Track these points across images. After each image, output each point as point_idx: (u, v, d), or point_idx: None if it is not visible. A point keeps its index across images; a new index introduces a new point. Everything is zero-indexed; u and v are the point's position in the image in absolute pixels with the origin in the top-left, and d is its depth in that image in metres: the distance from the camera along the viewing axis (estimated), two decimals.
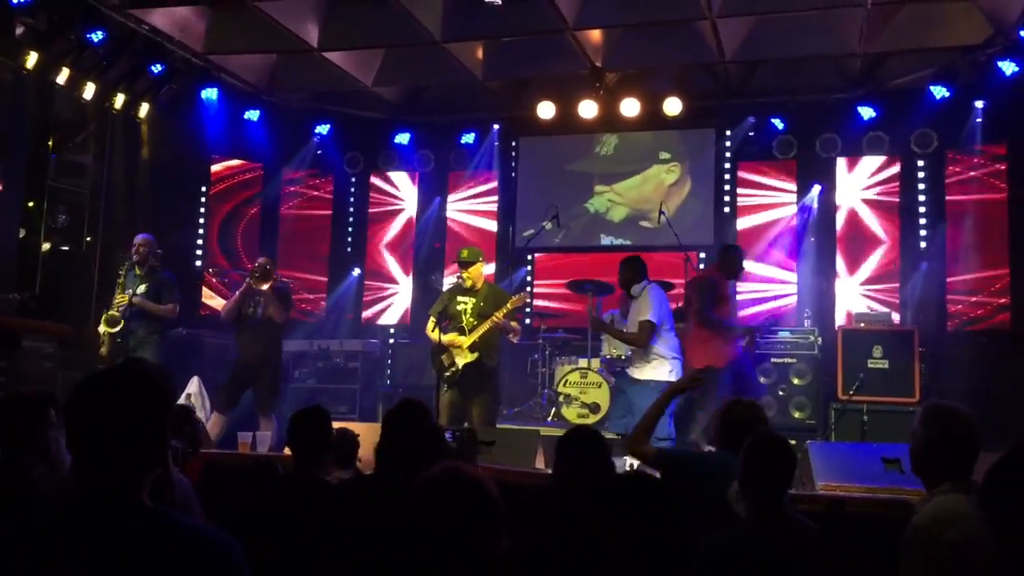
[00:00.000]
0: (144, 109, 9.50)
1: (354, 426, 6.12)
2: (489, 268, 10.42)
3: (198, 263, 10.55)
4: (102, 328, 7.56)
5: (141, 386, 1.77)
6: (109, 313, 7.59)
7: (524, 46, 9.49)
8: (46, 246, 9.13)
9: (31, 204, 9.00)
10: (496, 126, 11.03)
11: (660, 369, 6.74)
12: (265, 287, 7.69)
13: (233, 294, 7.96)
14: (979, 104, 9.15)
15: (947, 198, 9.59)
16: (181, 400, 7.78)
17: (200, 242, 10.66)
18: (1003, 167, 9.25)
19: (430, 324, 7.12)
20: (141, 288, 7.57)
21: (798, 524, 3.11)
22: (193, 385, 8.02)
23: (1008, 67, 8.34)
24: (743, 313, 10.01)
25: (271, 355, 7.90)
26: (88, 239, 9.47)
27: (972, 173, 9.43)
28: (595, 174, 10.93)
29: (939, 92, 9.01)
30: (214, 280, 10.30)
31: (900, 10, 8.44)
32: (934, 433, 2.94)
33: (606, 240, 10.85)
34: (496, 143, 11.12)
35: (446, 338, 6.86)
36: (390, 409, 3.64)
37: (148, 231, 8.11)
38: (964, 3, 8.32)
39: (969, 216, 9.42)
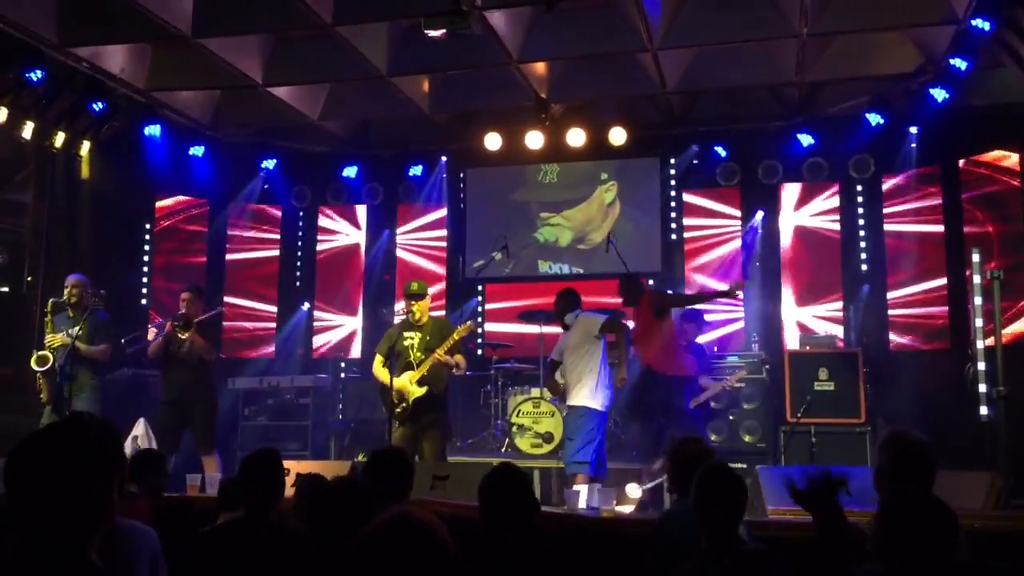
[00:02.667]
0: (85, 147, 9.36)
1: (307, 464, 6.08)
2: (439, 299, 10.43)
3: (143, 301, 10.39)
4: (33, 365, 7.32)
5: (86, 443, 1.73)
6: (40, 353, 7.35)
7: (469, 79, 9.57)
8: None
9: None
10: (443, 158, 11.08)
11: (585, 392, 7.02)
12: (185, 336, 7.44)
13: (158, 335, 7.69)
14: (913, 130, 9.43)
15: (885, 221, 9.84)
16: (127, 443, 7.62)
17: (145, 280, 10.51)
18: (937, 190, 9.53)
19: (378, 362, 7.08)
20: (76, 330, 7.33)
21: (756, 555, 3.11)
22: (139, 427, 7.86)
23: (939, 94, 8.61)
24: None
25: (202, 391, 7.60)
26: (28, 279, 9.28)
27: (908, 196, 9.70)
28: (538, 202, 11.03)
29: (874, 119, 9.27)
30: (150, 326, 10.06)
31: (834, 40, 8.68)
32: (888, 458, 3.00)
33: (555, 268, 10.92)
34: (444, 175, 11.16)
35: (396, 383, 6.84)
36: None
37: (91, 270, 7.95)
38: (895, 33, 8.59)
39: (906, 238, 9.68)
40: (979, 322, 6.48)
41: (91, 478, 1.72)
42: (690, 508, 3.50)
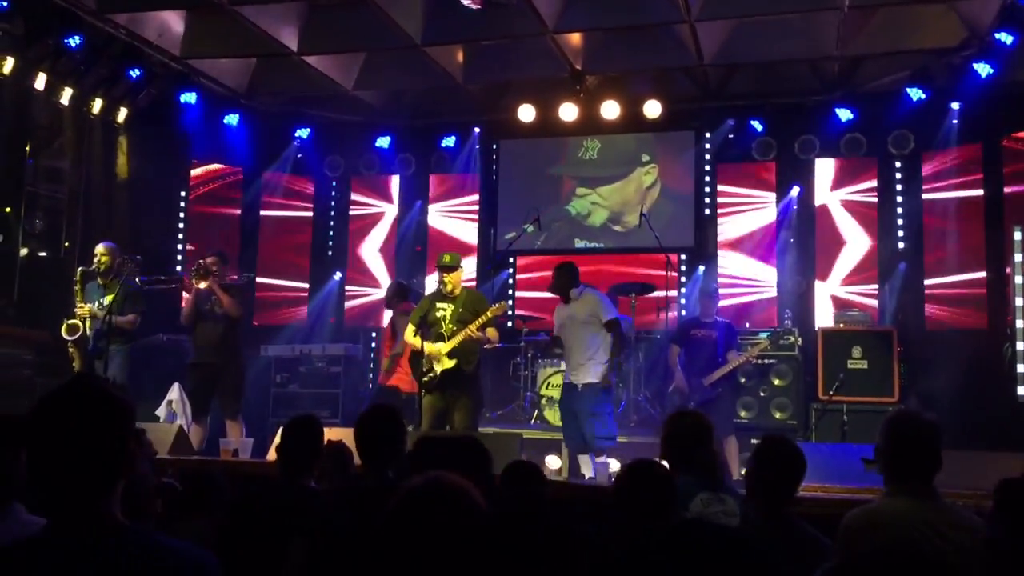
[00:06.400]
0: (122, 114, 9.44)
1: (338, 431, 6.13)
2: (471, 271, 10.43)
3: (178, 268, 10.49)
4: (63, 334, 7.36)
5: (97, 400, 1.75)
6: (70, 323, 7.36)
7: (504, 49, 9.51)
8: (23, 252, 9.04)
9: (8, 210, 8.92)
10: (477, 129, 11.04)
11: (601, 370, 6.87)
12: (203, 285, 7.47)
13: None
14: (955, 106, 9.23)
15: (924, 199, 9.69)
16: (162, 408, 7.73)
17: (180, 247, 10.61)
18: (978, 168, 9.35)
19: (410, 331, 7.10)
20: (107, 299, 7.33)
21: (805, 533, 3.12)
22: (174, 392, 7.96)
23: (983, 69, 8.42)
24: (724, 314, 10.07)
25: (231, 355, 7.66)
26: (66, 244, 9.39)
27: (948, 174, 9.52)
28: (576, 177, 10.96)
29: (915, 94, 9.09)
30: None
31: (876, 13, 8.52)
32: (887, 439, 2.98)
33: (586, 243, 10.88)
34: (477, 146, 11.12)
35: (427, 347, 6.85)
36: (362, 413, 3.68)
37: (127, 236, 8.00)
38: (939, 6, 8.40)
39: (946, 216, 9.52)
40: (1019, 301, 6.38)
41: (106, 432, 1.74)
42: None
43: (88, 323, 7.37)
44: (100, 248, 7.56)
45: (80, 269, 7.60)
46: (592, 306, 6.97)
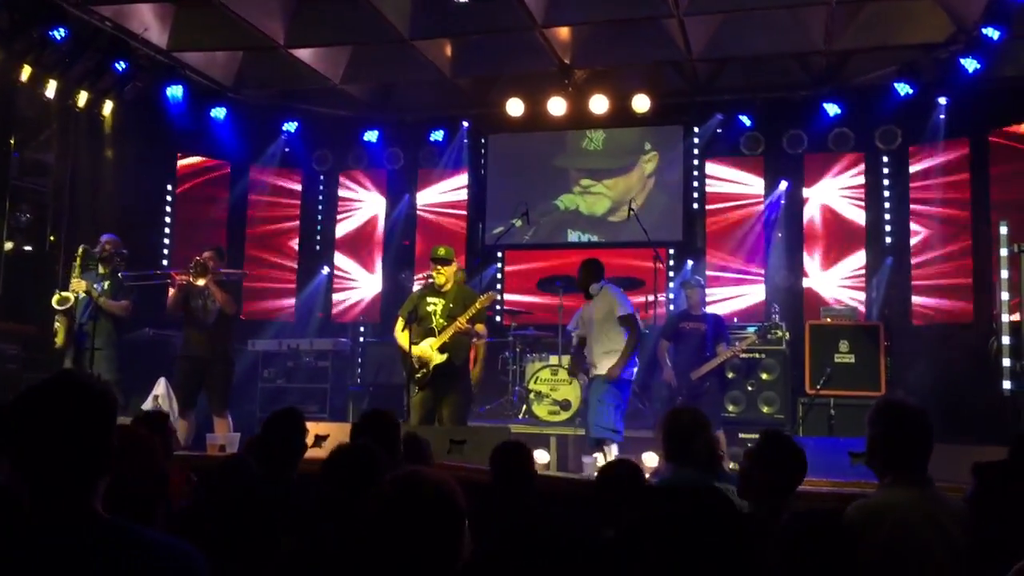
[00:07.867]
0: (108, 107, 9.37)
1: (324, 426, 6.13)
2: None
3: (164, 263, 10.43)
4: (53, 303, 7.29)
5: (80, 394, 1.74)
6: (62, 294, 7.32)
7: (492, 44, 9.49)
8: (8, 246, 8.96)
9: None
10: (465, 123, 11.02)
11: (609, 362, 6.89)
12: (202, 282, 7.41)
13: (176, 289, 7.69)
14: (942, 101, 9.28)
15: (911, 193, 9.72)
16: (148, 402, 7.68)
17: (167, 241, 10.55)
18: (965, 162, 9.39)
19: (399, 325, 7.07)
20: (105, 285, 7.34)
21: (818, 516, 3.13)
22: (160, 387, 7.89)
23: (970, 64, 8.45)
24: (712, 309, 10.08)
25: (222, 350, 7.64)
26: (51, 238, 9.32)
27: (935, 168, 9.56)
28: (579, 169, 10.93)
29: (903, 89, 9.12)
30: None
31: (863, 8, 8.54)
32: (878, 429, 2.94)
33: (575, 236, 10.87)
34: (465, 140, 11.10)
35: (415, 350, 6.82)
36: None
37: (113, 230, 7.95)
38: (927, 1, 8.43)
39: (932, 210, 9.57)
40: (1004, 295, 6.42)
41: (89, 427, 1.73)
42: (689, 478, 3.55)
43: (79, 302, 7.30)
44: (106, 237, 7.61)
45: (83, 247, 7.52)
46: (609, 302, 6.99)
